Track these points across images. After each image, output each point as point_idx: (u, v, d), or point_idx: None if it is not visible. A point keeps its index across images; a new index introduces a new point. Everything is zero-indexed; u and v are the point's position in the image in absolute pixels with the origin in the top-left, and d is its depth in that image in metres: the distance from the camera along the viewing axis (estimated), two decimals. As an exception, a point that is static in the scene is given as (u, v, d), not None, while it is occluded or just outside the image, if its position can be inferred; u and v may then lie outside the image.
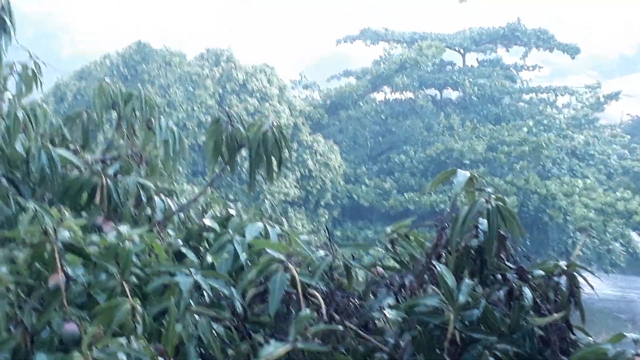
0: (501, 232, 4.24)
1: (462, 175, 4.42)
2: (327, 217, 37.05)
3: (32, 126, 4.95)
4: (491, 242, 4.19)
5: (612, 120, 53.54)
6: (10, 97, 5.23)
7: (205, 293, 3.90)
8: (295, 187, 35.72)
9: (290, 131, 36.11)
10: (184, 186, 27.02)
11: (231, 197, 31.50)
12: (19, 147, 4.79)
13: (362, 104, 44.13)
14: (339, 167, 38.03)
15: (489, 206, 4.20)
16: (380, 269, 4.69)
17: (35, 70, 5.47)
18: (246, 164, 5.45)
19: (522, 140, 37.81)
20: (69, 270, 3.59)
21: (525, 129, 40.00)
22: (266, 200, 31.66)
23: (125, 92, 5.82)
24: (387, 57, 45.60)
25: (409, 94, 45.72)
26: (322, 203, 37.02)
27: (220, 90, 36.97)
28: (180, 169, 28.49)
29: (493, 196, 4.25)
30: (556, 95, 46.79)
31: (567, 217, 34.06)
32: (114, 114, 6.05)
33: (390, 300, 4.25)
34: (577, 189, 35.26)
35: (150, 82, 35.12)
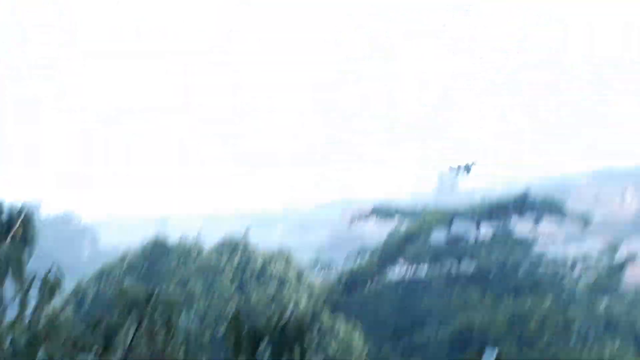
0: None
1: (490, 355, 4.38)
2: (354, 403, 35.62)
3: (54, 335, 4.98)
4: None
5: (634, 280, 52.75)
6: (31, 308, 5.32)
7: None
8: (319, 373, 34.72)
9: (309, 315, 35.68)
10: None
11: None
12: (41, 356, 4.80)
13: (378, 281, 44.06)
14: (361, 349, 37.11)
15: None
16: None
17: (55, 281, 5.60)
18: (268, 352, 5.41)
19: (546, 314, 37.32)
20: None
21: (547, 302, 39.52)
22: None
23: (145, 293, 5.90)
24: (396, 232, 46.33)
25: (424, 267, 45.73)
26: (348, 388, 35.75)
27: (239, 277, 37.01)
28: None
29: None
30: (574, 264, 46.52)
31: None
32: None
33: None
34: (607, 356, 34.23)
35: (169, 276, 35.20)
